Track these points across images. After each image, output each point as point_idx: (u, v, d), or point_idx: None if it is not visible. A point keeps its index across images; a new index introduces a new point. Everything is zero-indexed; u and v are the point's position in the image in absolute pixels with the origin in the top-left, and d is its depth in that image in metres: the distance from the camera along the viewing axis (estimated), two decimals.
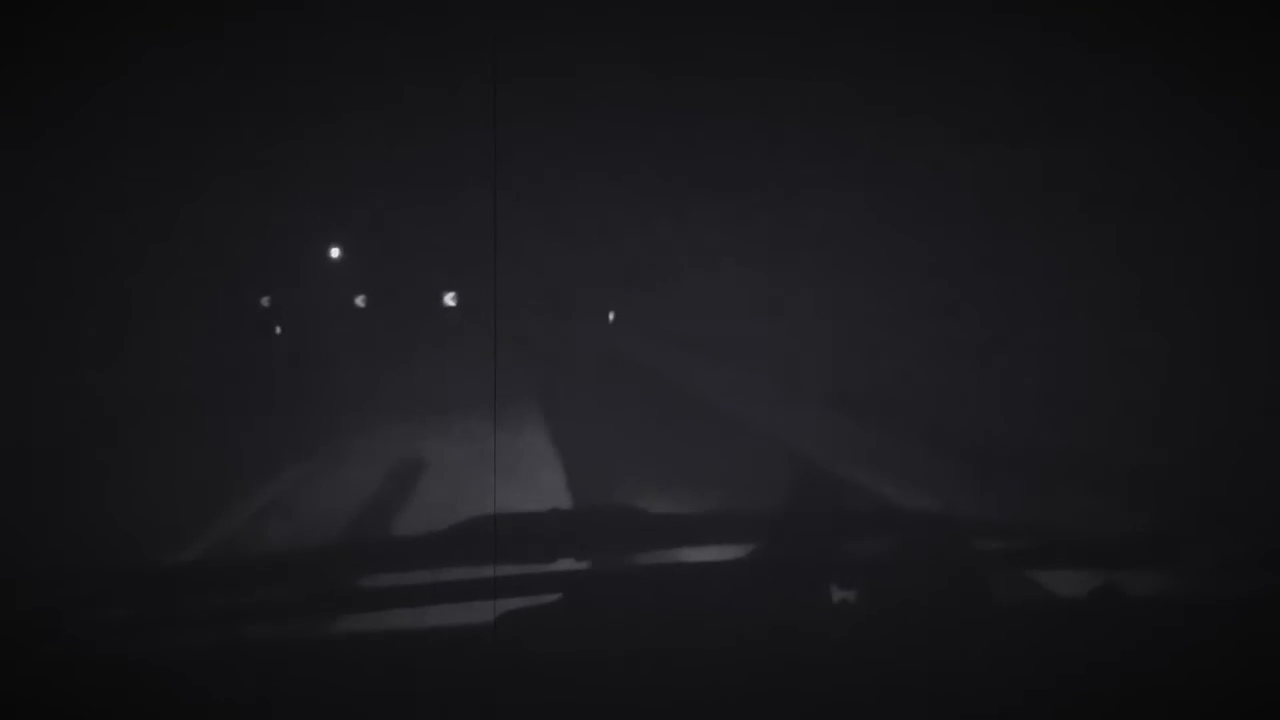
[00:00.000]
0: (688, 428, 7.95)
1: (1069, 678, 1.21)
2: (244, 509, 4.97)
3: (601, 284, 20.59)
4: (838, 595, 1.37)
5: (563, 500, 4.99)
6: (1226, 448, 5.04)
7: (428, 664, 1.28)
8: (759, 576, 1.46)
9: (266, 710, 1.22)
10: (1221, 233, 7.42)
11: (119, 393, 8.83)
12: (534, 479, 5.61)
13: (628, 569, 1.63)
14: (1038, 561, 1.64)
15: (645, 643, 1.30)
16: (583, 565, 1.50)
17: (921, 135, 10.16)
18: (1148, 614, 1.38)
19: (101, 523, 4.45)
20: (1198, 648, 1.27)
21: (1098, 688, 1.20)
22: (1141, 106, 8.14)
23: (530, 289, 19.68)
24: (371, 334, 18.08)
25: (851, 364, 9.85)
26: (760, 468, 5.76)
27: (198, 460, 6.24)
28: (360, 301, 21.81)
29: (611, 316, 20.93)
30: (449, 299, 22.18)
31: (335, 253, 21.62)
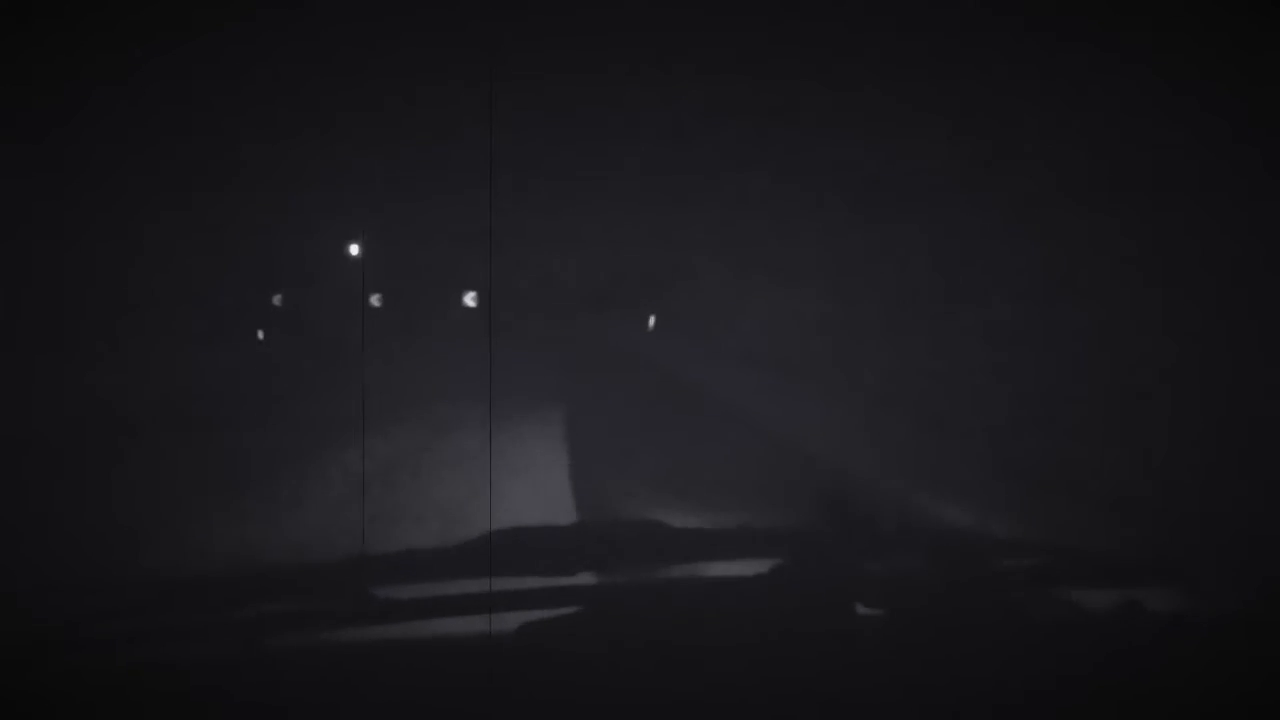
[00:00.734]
0: (697, 428, 7.90)
1: (1087, 686, 1.20)
2: (247, 515, 4.95)
3: (603, 284, 20.53)
4: (862, 610, 1.37)
5: (570, 513, 4.96)
6: (1237, 457, 4.99)
7: (431, 674, 1.27)
8: (779, 588, 1.45)
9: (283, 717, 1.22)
10: (1248, 228, 7.29)
11: (123, 395, 8.80)
12: (537, 488, 5.58)
13: (643, 583, 1.62)
14: (1060, 578, 1.63)
15: (655, 654, 1.29)
16: (591, 580, 1.50)
17: (922, 135, 10.14)
18: (1172, 630, 1.37)
19: (110, 530, 4.43)
20: (1212, 661, 1.26)
21: (1120, 697, 1.19)
22: (1142, 105, 8.11)
23: (530, 289, 19.62)
24: (371, 334, 18.03)
25: (894, 373, 9.76)
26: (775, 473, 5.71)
27: (200, 466, 6.22)
28: (376, 301, 21.77)
29: (618, 318, 20.83)
30: (455, 301, 22.14)
31: (335, 253, 21.60)
